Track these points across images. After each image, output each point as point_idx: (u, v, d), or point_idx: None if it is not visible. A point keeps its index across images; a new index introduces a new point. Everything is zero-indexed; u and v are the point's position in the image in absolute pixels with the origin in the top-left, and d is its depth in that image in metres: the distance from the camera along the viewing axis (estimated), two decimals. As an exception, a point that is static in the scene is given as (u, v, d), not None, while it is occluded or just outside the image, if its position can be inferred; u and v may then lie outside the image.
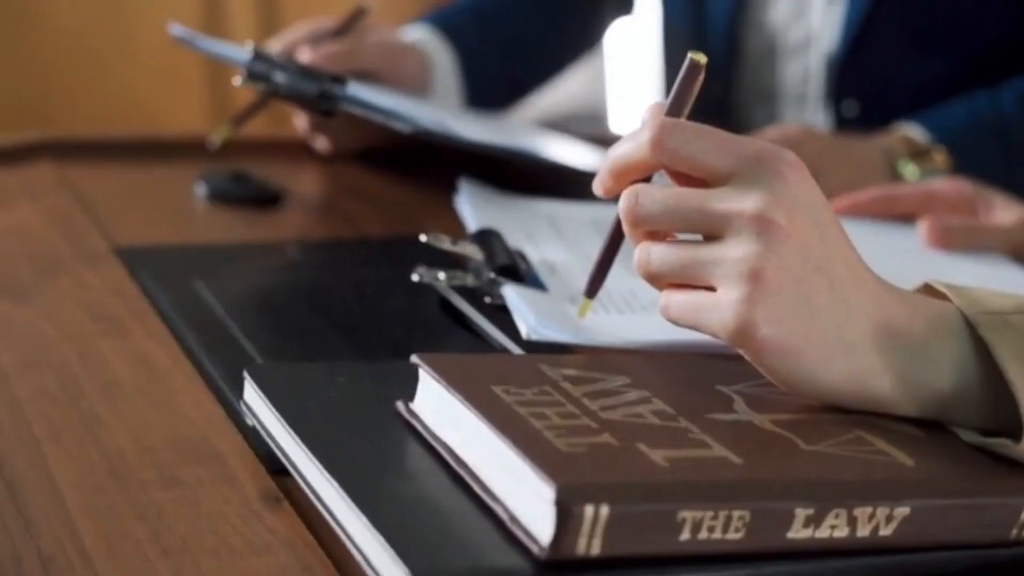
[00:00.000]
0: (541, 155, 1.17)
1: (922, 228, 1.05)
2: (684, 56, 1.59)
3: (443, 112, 1.22)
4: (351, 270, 0.99)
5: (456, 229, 0.99)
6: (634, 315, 0.83)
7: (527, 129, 1.32)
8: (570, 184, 1.12)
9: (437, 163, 1.20)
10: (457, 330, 0.87)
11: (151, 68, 2.39)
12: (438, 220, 1.07)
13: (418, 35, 1.31)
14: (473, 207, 0.98)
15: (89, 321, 0.86)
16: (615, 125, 2.24)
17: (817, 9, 1.39)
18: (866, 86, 1.39)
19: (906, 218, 1.10)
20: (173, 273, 0.94)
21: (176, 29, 1.15)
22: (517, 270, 0.85)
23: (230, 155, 1.19)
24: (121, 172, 1.17)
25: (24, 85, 2.36)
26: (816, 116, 1.42)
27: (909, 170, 1.19)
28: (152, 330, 0.85)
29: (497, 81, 1.38)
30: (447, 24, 1.33)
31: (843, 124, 1.39)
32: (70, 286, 0.91)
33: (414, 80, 1.28)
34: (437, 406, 0.66)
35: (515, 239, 0.92)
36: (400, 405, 0.68)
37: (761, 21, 1.42)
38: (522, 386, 0.66)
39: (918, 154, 1.21)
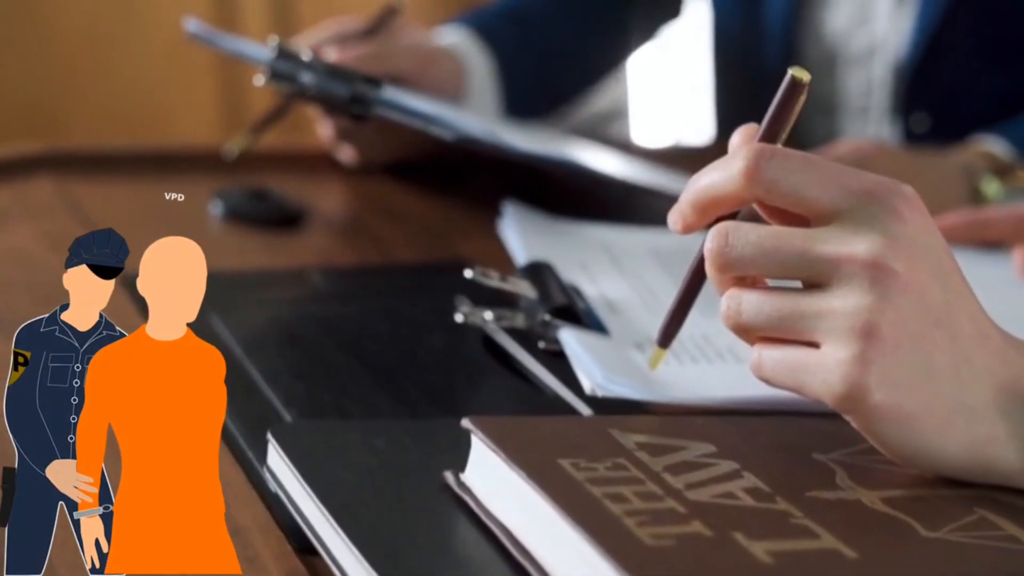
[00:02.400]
0: (595, 169, 1.09)
1: (1017, 258, 0.97)
2: (737, 63, 1.52)
3: (487, 119, 1.14)
4: (382, 301, 0.91)
5: (498, 252, 0.92)
6: (709, 364, 0.75)
7: (567, 142, 1.24)
8: (624, 204, 1.04)
9: (475, 177, 1.14)
10: (505, 374, 0.79)
11: (162, 65, 2.32)
12: (478, 242, 1.00)
13: (454, 39, 1.23)
14: (520, 235, 0.90)
15: (91, 363, 0.78)
16: (639, 134, 2.16)
17: (883, 15, 1.31)
18: (938, 98, 1.30)
19: (994, 244, 1.01)
20: (185, 305, 0.86)
21: (192, 25, 1.07)
22: (575, 311, 0.77)
23: (247, 169, 1.12)
24: (128, 188, 1.09)
25: (32, 83, 2.30)
26: (881, 129, 1.34)
27: (992, 189, 1.11)
28: (162, 374, 0.76)
29: (535, 89, 1.30)
30: (484, 28, 1.25)
31: (912, 139, 1.31)
32: (70, 321, 0.83)
33: (448, 86, 1.20)
34: (493, 480, 0.58)
35: (568, 271, 0.84)
36: (449, 476, 0.61)
37: (820, 27, 1.34)
38: (593, 459, 0.58)
39: (1001, 171, 1.12)
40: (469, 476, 0.60)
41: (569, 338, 0.75)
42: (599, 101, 1.73)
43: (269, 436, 0.63)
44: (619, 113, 2.06)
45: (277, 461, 0.63)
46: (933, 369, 0.59)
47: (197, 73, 2.31)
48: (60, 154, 1.12)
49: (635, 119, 2.10)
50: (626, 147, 1.30)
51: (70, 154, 1.13)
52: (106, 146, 1.16)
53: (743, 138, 0.63)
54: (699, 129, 1.98)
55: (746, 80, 1.44)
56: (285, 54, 1.02)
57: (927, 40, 1.27)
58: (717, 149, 1.41)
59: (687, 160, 1.23)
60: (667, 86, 2.36)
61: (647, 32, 1.41)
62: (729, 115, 1.50)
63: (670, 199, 1.04)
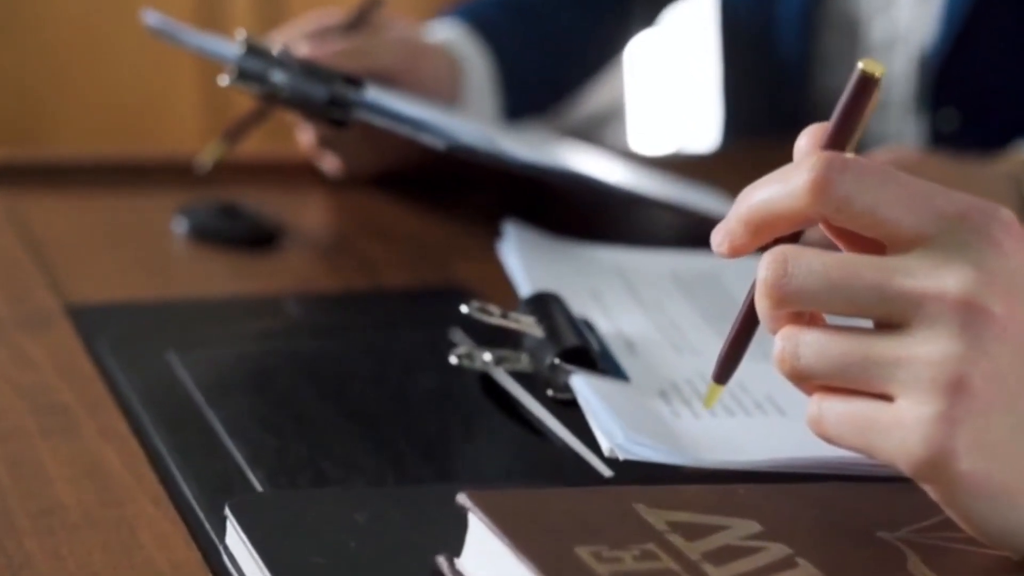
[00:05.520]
0: (606, 181, 1.00)
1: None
2: (749, 54, 1.44)
3: (484, 125, 1.05)
4: (368, 335, 0.82)
5: (500, 274, 0.84)
6: (747, 417, 0.66)
7: (573, 150, 1.16)
8: (639, 222, 0.96)
9: (474, 190, 1.05)
10: (508, 424, 0.71)
11: (146, 64, 2.25)
12: (477, 263, 0.92)
13: (448, 34, 1.14)
14: (523, 261, 0.81)
15: (28, 413, 0.69)
16: (637, 138, 2.07)
17: (906, 1, 1.23)
18: (967, 93, 1.23)
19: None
20: (140, 341, 0.78)
21: (151, 18, 0.98)
22: (588, 354, 0.68)
23: (216, 182, 1.03)
24: (83, 204, 1.00)
25: (14, 82, 2.23)
26: (903, 127, 1.26)
27: (1042, 202, 1.03)
28: (109, 427, 0.68)
29: (539, 85, 1.23)
30: (482, 21, 1.17)
31: (939, 138, 1.23)
32: (6, 361, 0.75)
33: (441, 85, 1.11)
34: (496, 570, 0.50)
35: (578, 302, 0.76)
36: (442, 562, 0.52)
37: (840, 15, 1.27)
38: (618, 545, 0.50)
39: None
40: (466, 563, 0.52)
41: (583, 387, 0.66)
42: (593, 103, 1.66)
43: (227, 511, 0.55)
44: (615, 115, 1.98)
45: (236, 541, 0.54)
46: None
47: (182, 72, 2.24)
48: (8, 166, 1.03)
49: (632, 122, 2.03)
50: (626, 154, 1.22)
51: (20, 165, 1.04)
52: (61, 156, 1.07)
53: (809, 143, 0.54)
54: (703, 130, 1.90)
55: (759, 73, 1.36)
56: (255, 51, 0.93)
57: (955, 29, 1.20)
58: (724, 154, 1.34)
59: (692, 167, 1.15)
60: (667, 84, 2.28)
61: (648, 17, 1.34)
62: (739, 112, 1.43)
63: (693, 215, 0.97)
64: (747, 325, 0.57)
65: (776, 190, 0.53)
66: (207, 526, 0.60)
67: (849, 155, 0.53)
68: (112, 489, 0.63)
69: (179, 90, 2.28)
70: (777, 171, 0.54)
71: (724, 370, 0.58)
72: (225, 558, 0.55)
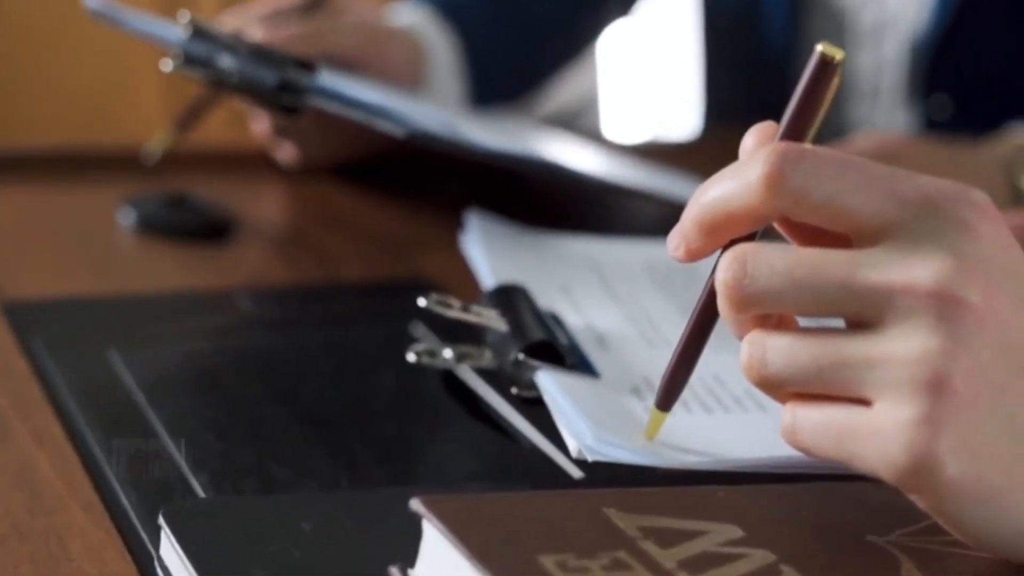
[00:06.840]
0: (575, 169, 0.97)
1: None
2: (733, 41, 1.42)
3: (446, 111, 1.02)
4: (324, 331, 0.79)
5: (464, 271, 0.81)
6: (725, 414, 0.63)
7: (541, 136, 1.12)
8: (611, 211, 0.93)
9: (437, 179, 1.03)
10: (471, 424, 0.67)
11: (105, 59, 2.23)
12: (440, 256, 0.89)
13: (412, 17, 1.12)
14: (487, 251, 0.78)
15: (-47, 416, 0.66)
16: (611, 129, 2.04)
17: None
18: (961, 79, 1.21)
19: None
20: (80, 339, 0.75)
21: (92, 0, 0.94)
22: (555, 348, 0.65)
23: (166, 172, 1.00)
24: (23, 195, 0.97)
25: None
26: (893, 115, 1.24)
27: (1034, 187, 1.01)
28: (42, 430, 0.65)
29: (509, 71, 1.20)
30: (448, 4, 1.14)
31: (932, 126, 1.21)
32: (-66, 361, 0.71)
33: (403, 71, 1.09)
34: (453, 581, 0.46)
35: (546, 296, 0.73)
36: (395, 573, 0.49)
37: (829, 1, 1.24)
38: (585, 553, 0.46)
39: None
40: (420, 573, 0.48)
41: (549, 384, 0.62)
42: (566, 94, 1.63)
43: (161, 519, 0.52)
44: (588, 107, 1.95)
45: (171, 553, 0.51)
46: (1021, 428, 0.48)
47: (145, 60, 2.22)
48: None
49: (606, 113, 2.00)
50: (601, 142, 1.19)
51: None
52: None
53: (759, 139, 0.52)
54: (681, 121, 1.88)
55: (743, 61, 1.34)
56: (201, 35, 0.90)
57: (948, 13, 1.18)
58: (703, 141, 1.31)
59: (670, 155, 1.12)
60: (643, 74, 2.26)
61: (623, 6, 1.31)
62: (722, 101, 1.41)
63: (667, 203, 0.94)
64: (693, 343, 0.54)
65: (729, 187, 0.50)
66: (143, 536, 0.56)
67: (804, 146, 0.50)
68: (42, 497, 0.59)
69: (142, 80, 2.25)
70: (729, 166, 0.51)
71: (667, 396, 0.56)
72: (159, 570, 0.52)
